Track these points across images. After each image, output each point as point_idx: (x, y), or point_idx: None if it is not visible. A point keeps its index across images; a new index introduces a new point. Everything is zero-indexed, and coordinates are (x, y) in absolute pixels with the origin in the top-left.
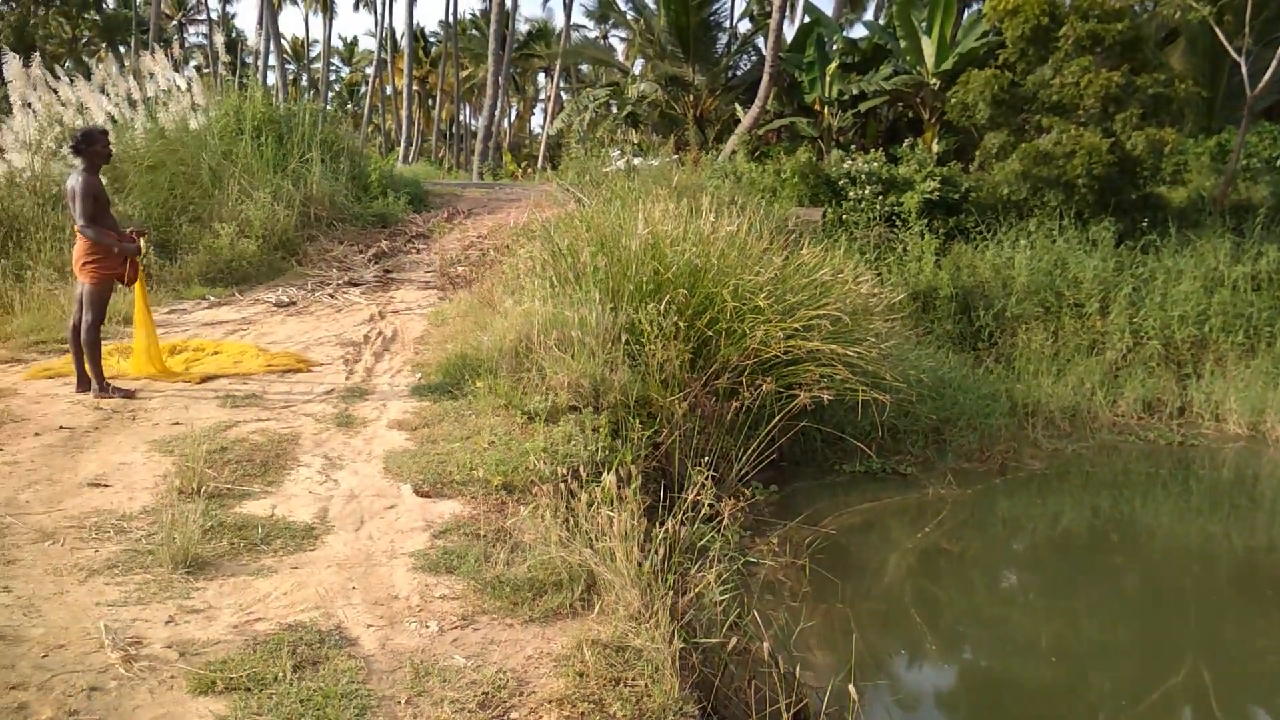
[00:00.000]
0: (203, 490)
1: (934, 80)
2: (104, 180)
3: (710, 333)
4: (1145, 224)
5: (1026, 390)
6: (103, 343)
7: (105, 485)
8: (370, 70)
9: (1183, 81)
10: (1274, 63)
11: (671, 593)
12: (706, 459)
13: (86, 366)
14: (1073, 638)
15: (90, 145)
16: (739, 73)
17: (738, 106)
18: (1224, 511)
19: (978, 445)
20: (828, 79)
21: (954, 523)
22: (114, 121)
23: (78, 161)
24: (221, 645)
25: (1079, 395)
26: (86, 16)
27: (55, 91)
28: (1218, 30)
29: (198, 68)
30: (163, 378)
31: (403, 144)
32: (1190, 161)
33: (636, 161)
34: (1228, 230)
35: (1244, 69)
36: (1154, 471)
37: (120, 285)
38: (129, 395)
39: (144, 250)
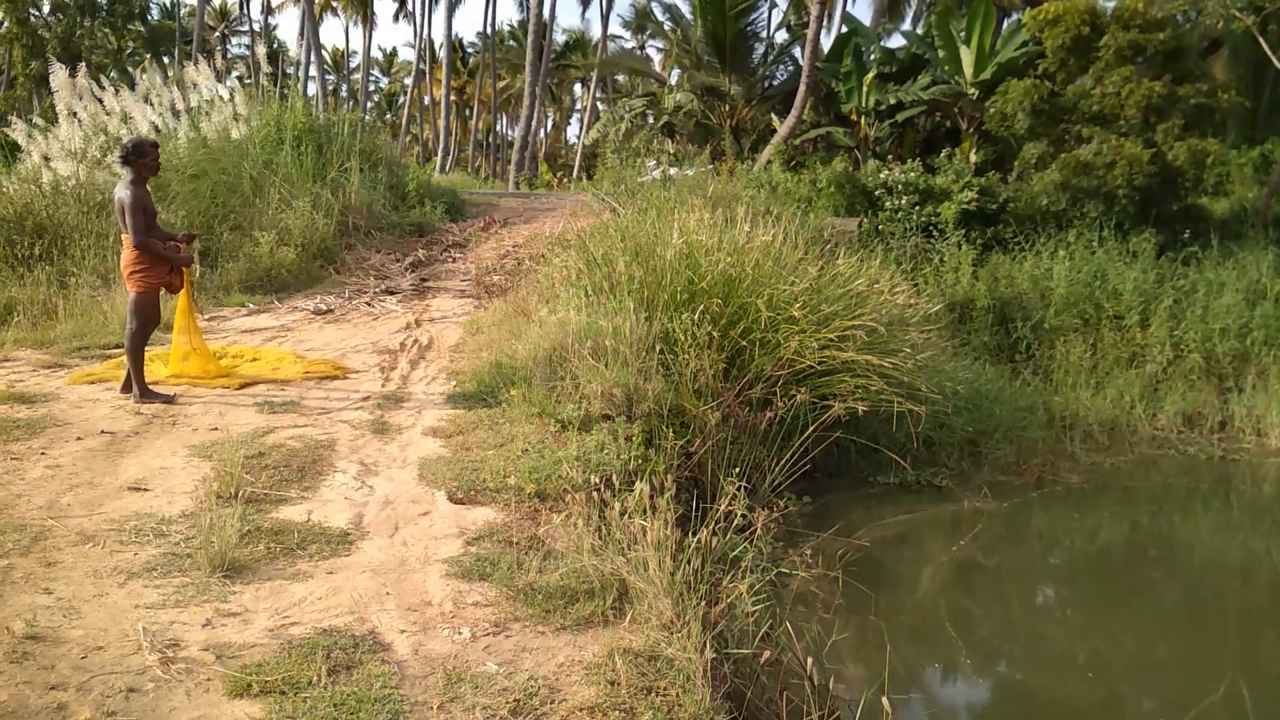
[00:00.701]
0: (240, 495)
1: (972, 90)
2: (148, 190)
3: (744, 343)
4: (1186, 235)
5: (1064, 403)
6: (146, 350)
7: (145, 489)
8: (409, 81)
9: (1225, 92)
10: None
11: (704, 603)
12: (739, 469)
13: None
14: (1110, 654)
15: (140, 157)
16: (775, 83)
17: (774, 116)
18: (1265, 527)
19: (1014, 458)
20: (865, 89)
21: (989, 536)
22: (158, 131)
23: (124, 172)
24: (257, 649)
25: (1118, 408)
26: (131, 28)
27: (100, 101)
28: (1261, 40)
29: (240, 78)
30: (205, 382)
31: (440, 154)
32: (1233, 173)
33: (672, 171)
34: (1270, 242)
35: None
36: (1194, 486)
37: (166, 294)
38: (169, 400)
39: (195, 248)
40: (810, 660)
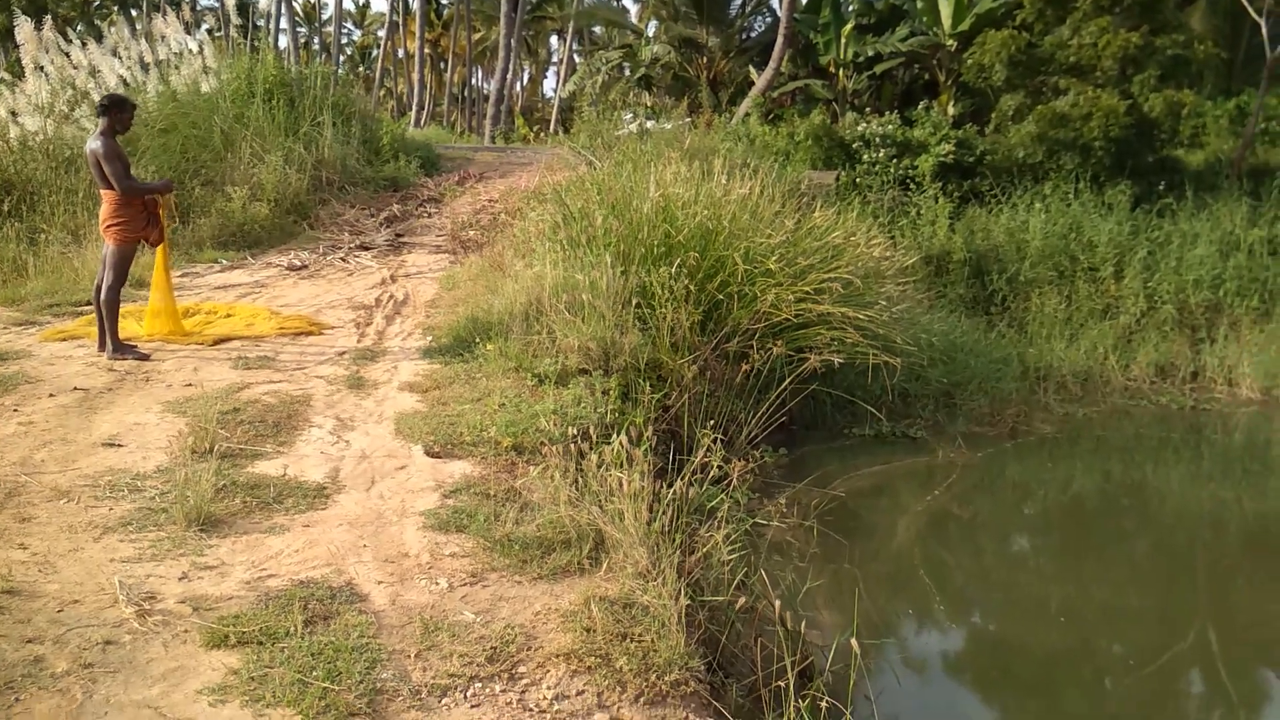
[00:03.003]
0: (215, 450)
1: (950, 42)
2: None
3: (721, 296)
4: (1162, 187)
5: (1039, 354)
6: (121, 305)
7: (119, 445)
8: (382, 33)
9: (1202, 43)
10: None
11: (679, 552)
12: (716, 422)
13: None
14: (1081, 601)
15: (119, 111)
16: (753, 35)
17: (751, 69)
18: (1236, 476)
19: (988, 409)
20: (843, 41)
21: (963, 486)
22: (126, 85)
23: (98, 123)
24: (234, 601)
25: (1091, 359)
26: None
27: (67, 55)
28: None
29: (210, 31)
30: (177, 339)
31: (414, 108)
32: (1208, 124)
33: (649, 124)
34: (1245, 194)
35: (1264, 30)
36: (1166, 436)
37: (145, 246)
38: (143, 357)
39: (173, 193)
40: (782, 605)
